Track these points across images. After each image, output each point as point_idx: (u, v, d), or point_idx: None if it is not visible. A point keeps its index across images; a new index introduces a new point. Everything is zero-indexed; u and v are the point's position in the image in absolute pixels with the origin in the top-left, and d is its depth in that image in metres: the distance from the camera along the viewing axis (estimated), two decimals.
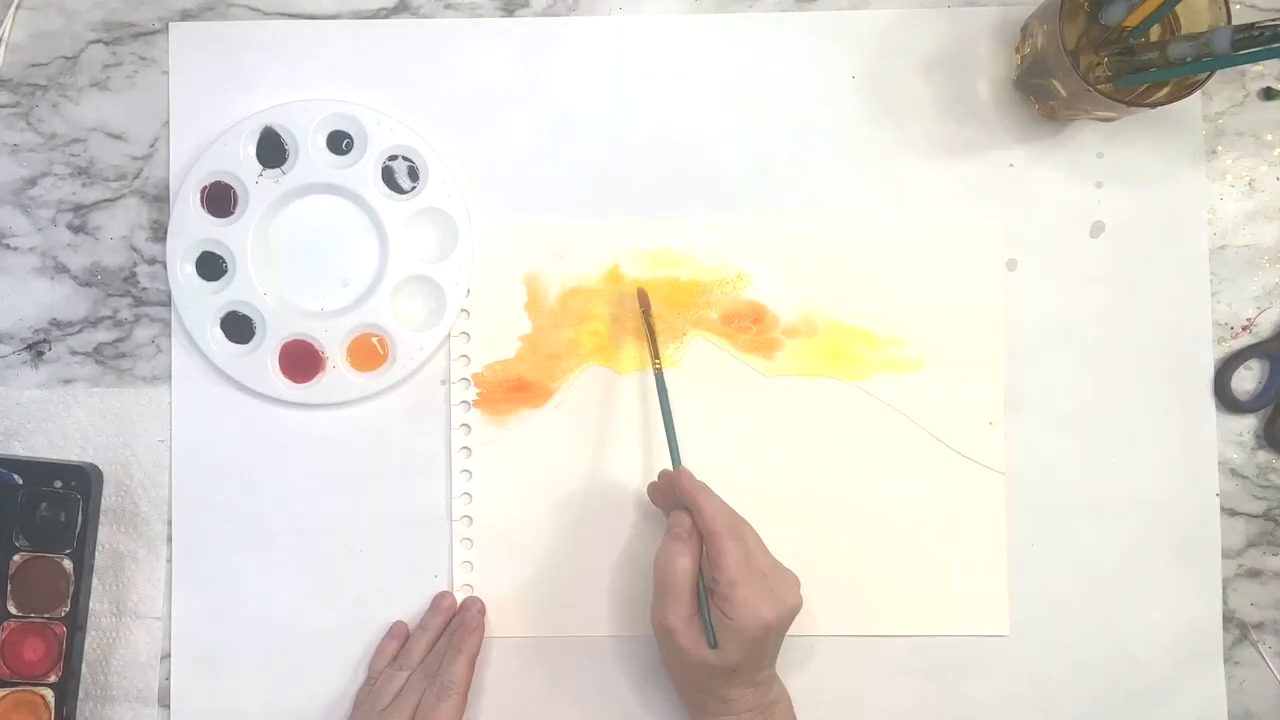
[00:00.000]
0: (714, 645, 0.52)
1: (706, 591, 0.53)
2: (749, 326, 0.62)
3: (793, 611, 0.53)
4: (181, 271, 0.61)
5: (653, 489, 0.59)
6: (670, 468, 0.57)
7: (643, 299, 0.60)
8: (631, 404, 0.61)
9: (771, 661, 0.55)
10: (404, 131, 0.61)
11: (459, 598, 0.61)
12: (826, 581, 0.60)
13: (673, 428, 0.57)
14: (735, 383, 0.61)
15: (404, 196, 0.61)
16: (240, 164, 0.61)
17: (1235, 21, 0.53)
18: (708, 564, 0.53)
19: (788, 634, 0.54)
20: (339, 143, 0.62)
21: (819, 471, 0.61)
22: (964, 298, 0.61)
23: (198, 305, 0.61)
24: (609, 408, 0.61)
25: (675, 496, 0.56)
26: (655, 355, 0.58)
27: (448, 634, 0.60)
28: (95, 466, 0.60)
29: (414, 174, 0.62)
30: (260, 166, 0.61)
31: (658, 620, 0.54)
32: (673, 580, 0.53)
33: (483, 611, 0.60)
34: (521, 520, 0.61)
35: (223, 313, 0.61)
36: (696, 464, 0.58)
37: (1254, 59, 0.52)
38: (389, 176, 0.62)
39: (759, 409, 0.61)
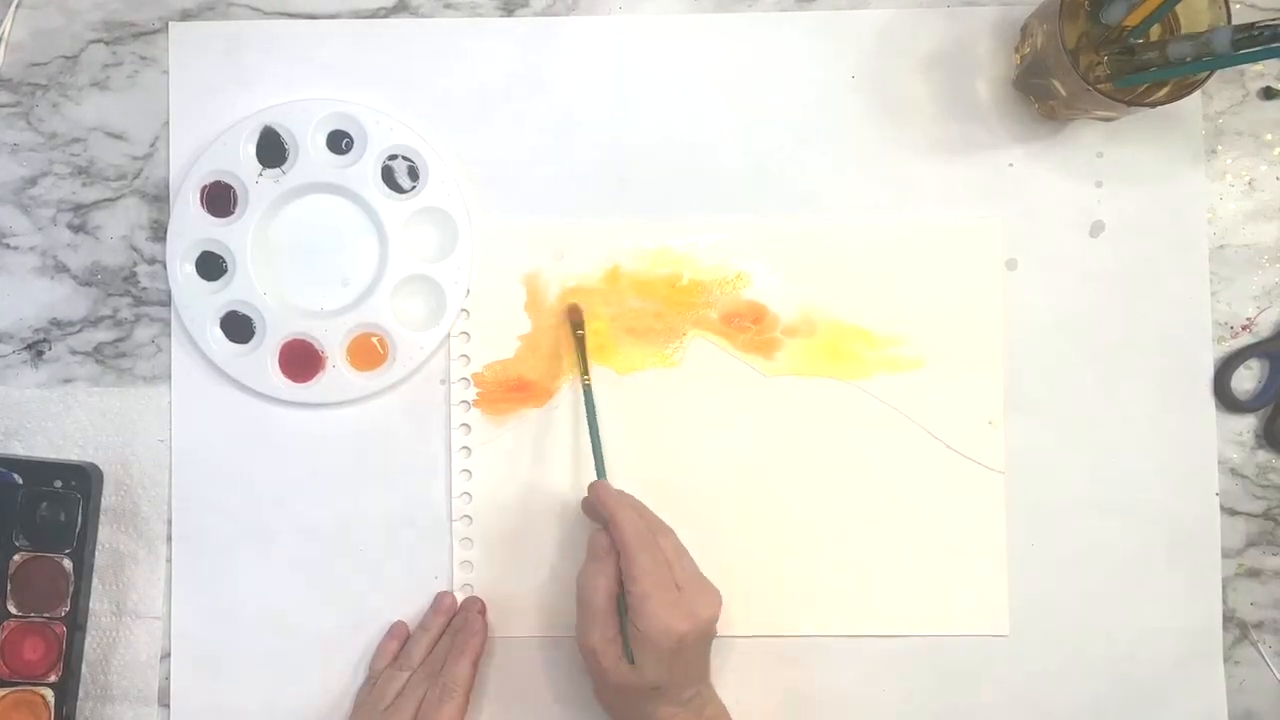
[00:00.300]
0: (632, 661, 0.52)
1: (625, 607, 0.53)
2: (749, 326, 0.62)
3: (707, 625, 0.53)
4: (181, 271, 0.61)
5: (584, 504, 0.58)
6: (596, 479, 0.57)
7: (574, 314, 0.60)
8: (631, 403, 0.61)
9: (697, 678, 0.54)
10: (404, 131, 0.61)
11: (459, 598, 0.61)
12: (826, 581, 0.60)
13: (598, 438, 0.58)
14: (735, 383, 0.61)
15: (404, 196, 0.61)
16: (240, 164, 0.61)
17: (1235, 21, 0.53)
18: (624, 578, 0.53)
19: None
20: (339, 142, 0.62)
21: (818, 471, 0.61)
22: (963, 297, 0.61)
23: (198, 305, 0.61)
24: (608, 407, 0.61)
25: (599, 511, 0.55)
26: (585, 371, 0.59)
27: (449, 634, 0.59)
28: (95, 466, 0.60)
29: (414, 173, 0.62)
30: (260, 166, 0.61)
31: (581, 643, 0.54)
32: (590, 600, 0.53)
33: (484, 612, 0.60)
34: (521, 520, 0.61)
35: (222, 312, 0.61)
36: (696, 464, 0.58)
37: (1254, 59, 0.51)
38: (389, 176, 0.62)
39: (759, 409, 0.61)
